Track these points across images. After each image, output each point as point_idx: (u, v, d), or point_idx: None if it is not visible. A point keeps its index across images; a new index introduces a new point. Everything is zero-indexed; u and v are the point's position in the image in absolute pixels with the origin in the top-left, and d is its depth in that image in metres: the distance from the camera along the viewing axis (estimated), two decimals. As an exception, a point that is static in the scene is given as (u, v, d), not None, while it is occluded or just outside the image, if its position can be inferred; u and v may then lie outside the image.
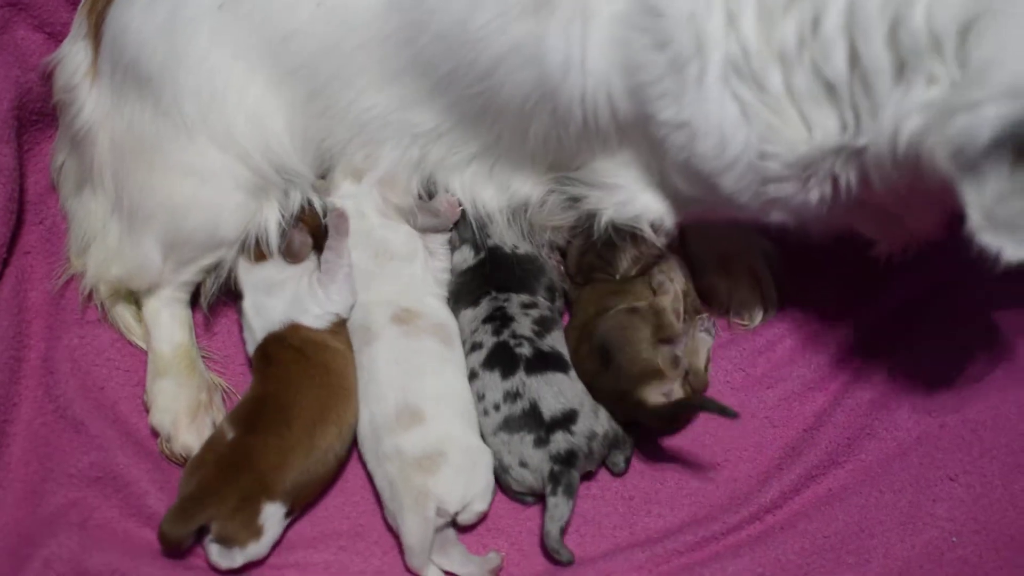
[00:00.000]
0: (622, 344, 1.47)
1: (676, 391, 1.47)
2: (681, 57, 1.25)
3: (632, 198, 1.47)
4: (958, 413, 1.53)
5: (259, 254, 1.58)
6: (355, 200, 1.59)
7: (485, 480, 1.46)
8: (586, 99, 1.36)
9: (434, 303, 1.59)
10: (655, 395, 1.45)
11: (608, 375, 1.48)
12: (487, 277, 1.59)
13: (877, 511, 1.46)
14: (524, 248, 1.61)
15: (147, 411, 1.56)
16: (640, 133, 1.38)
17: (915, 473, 1.49)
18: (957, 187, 1.14)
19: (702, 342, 1.53)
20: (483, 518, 1.48)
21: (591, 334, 1.51)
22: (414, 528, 1.41)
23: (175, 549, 1.42)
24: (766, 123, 1.25)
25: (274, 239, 1.56)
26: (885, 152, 1.19)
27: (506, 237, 1.60)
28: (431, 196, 1.61)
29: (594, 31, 1.31)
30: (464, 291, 1.60)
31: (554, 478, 1.43)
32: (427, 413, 1.46)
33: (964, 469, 1.49)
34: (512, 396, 1.48)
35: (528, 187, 1.56)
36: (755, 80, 1.23)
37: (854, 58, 1.18)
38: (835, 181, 1.27)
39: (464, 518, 1.45)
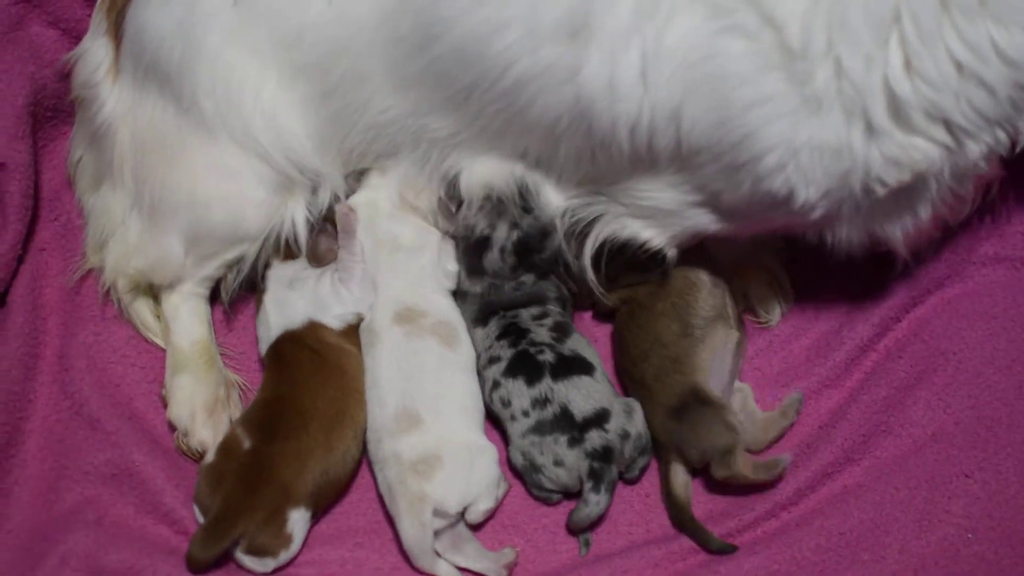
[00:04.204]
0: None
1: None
2: (820, 91, 1.22)
3: (675, 218, 1.43)
4: (973, 410, 1.53)
5: (288, 253, 1.59)
6: (373, 190, 1.58)
7: (487, 478, 1.45)
8: (639, 125, 1.30)
9: (440, 300, 1.57)
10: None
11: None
12: (491, 301, 1.56)
13: (893, 508, 1.46)
14: (527, 277, 1.57)
15: (164, 406, 1.56)
16: (710, 159, 1.32)
17: (931, 470, 1.49)
18: None
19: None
20: (492, 515, 1.48)
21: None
22: (411, 532, 1.41)
23: (202, 570, 1.41)
24: (898, 144, 1.25)
25: (303, 236, 1.56)
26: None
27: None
28: (459, 203, 1.57)
29: (664, 62, 1.25)
30: (469, 313, 1.57)
31: (595, 475, 1.43)
32: (424, 416, 1.45)
33: (980, 466, 1.48)
34: (541, 403, 1.46)
35: (557, 201, 1.51)
36: (918, 121, 1.23)
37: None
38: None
39: (471, 517, 1.44)
